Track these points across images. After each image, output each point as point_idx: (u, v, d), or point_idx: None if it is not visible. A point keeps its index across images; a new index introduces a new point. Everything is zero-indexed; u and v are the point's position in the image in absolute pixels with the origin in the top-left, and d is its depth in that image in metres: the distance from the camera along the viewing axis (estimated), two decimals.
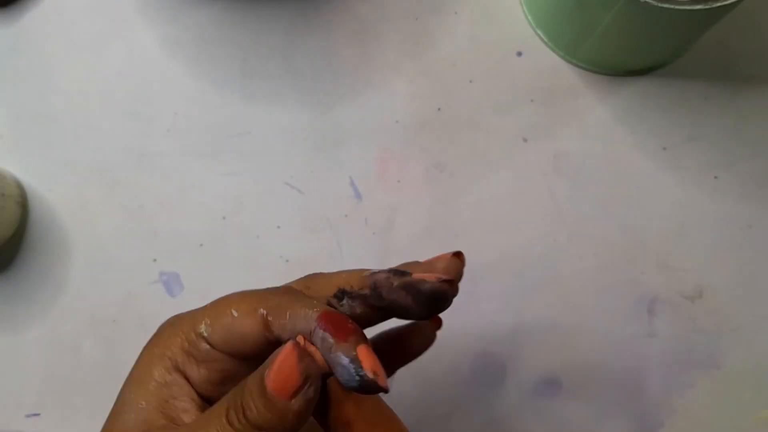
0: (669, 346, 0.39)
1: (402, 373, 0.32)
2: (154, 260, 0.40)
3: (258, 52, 0.42)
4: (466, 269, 0.42)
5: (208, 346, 0.24)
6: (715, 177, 0.41)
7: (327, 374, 0.22)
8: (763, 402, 0.39)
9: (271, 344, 0.23)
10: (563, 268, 0.40)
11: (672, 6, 0.32)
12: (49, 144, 0.41)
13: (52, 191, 0.41)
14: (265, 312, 0.23)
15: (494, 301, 0.40)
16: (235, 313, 0.23)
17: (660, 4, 0.32)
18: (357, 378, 0.21)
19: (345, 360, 0.21)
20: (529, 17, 0.42)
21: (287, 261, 0.40)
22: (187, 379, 0.24)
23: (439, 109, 0.42)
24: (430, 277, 0.24)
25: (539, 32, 0.42)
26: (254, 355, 0.23)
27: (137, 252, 0.40)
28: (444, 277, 0.24)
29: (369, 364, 0.21)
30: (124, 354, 0.40)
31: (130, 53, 0.42)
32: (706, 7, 0.32)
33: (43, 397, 0.39)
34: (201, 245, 0.40)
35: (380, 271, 0.25)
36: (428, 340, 0.29)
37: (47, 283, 0.40)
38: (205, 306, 0.25)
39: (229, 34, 0.42)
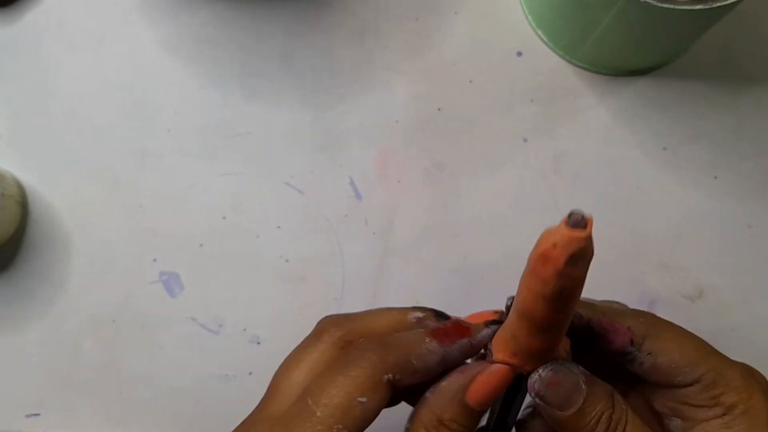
0: None
1: None
2: (154, 260, 0.40)
3: (258, 52, 0.42)
4: (466, 269, 0.42)
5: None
6: (715, 177, 0.41)
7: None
8: None
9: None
10: None
11: (672, 6, 0.32)
12: (49, 144, 0.41)
13: (52, 191, 0.41)
14: (390, 376, 0.23)
15: (494, 300, 0.40)
16: (363, 399, 0.23)
17: (660, 4, 0.32)
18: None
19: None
20: (529, 17, 0.42)
21: (287, 261, 0.40)
22: None
23: (439, 109, 0.42)
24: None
25: (539, 32, 0.42)
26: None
27: (137, 252, 0.40)
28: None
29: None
30: (124, 354, 0.40)
31: (130, 53, 0.42)
32: (706, 7, 0.32)
33: (43, 397, 0.39)
34: (201, 245, 0.40)
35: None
36: None
37: (47, 283, 0.40)
38: (326, 411, 0.23)
39: (230, 34, 0.42)
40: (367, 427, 0.24)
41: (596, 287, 0.40)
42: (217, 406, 0.39)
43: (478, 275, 0.40)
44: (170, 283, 0.40)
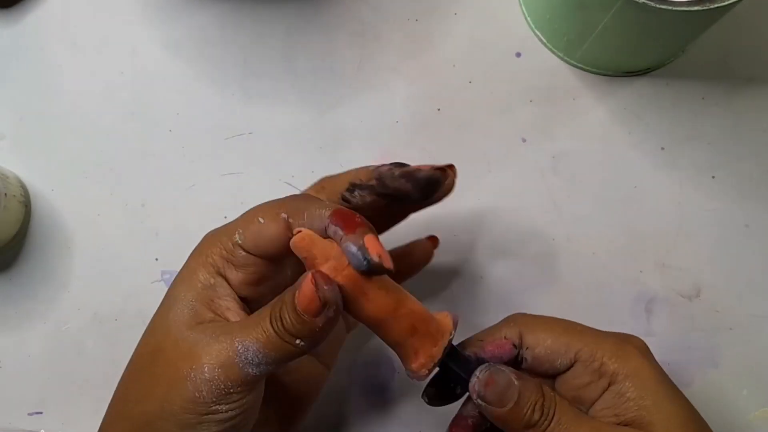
0: (667, 344, 0.39)
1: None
2: (156, 259, 0.41)
3: (259, 53, 0.42)
4: (466, 268, 0.42)
5: (243, 252, 0.27)
6: (713, 176, 0.41)
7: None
8: (761, 400, 0.39)
9: None
10: (562, 268, 0.40)
11: (670, 7, 0.32)
12: (52, 144, 0.42)
13: (55, 191, 0.41)
14: (286, 215, 0.27)
15: (493, 299, 0.40)
16: (261, 220, 0.27)
17: (658, 5, 0.32)
18: (365, 262, 0.25)
19: (354, 248, 0.25)
20: (528, 18, 0.42)
21: None
22: (228, 282, 0.27)
23: (439, 109, 0.42)
24: (425, 167, 0.30)
25: (538, 33, 0.42)
26: (282, 256, 0.27)
27: (139, 251, 0.41)
28: (437, 165, 0.30)
29: (374, 249, 0.25)
30: (126, 352, 0.40)
31: (132, 54, 0.42)
32: (704, 8, 0.32)
33: (46, 395, 0.40)
34: None
35: (383, 165, 0.30)
36: (428, 255, 0.35)
37: (50, 282, 0.40)
38: (237, 219, 0.28)
39: (231, 35, 0.43)
40: (261, 245, 0.27)
41: (596, 287, 0.40)
42: None
43: (478, 275, 0.40)
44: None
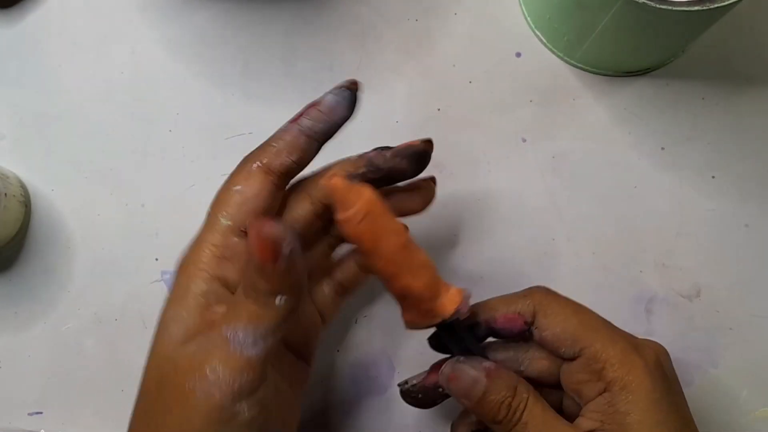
0: (667, 344, 0.39)
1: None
2: (156, 259, 0.41)
3: (259, 54, 0.42)
4: (465, 268, 0.42)
5: (235, 238, 0.27)
6: (713, 177, 0.41)
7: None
8: (761, 400, 0.39)
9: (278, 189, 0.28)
10: (562, 268, 0.40)
11: (670, 7, 0.32)
12: (52, 144, 0.42)
13: (55, 191, 0.41)
14: (258, 163, 0.27)
15: None
16: (238, 188, 0.27)
17: (658, 5, 0.32)
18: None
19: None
20: (528, 18, 0.43)
21: None
22: (224, 282, 0.27)
23: (439, 109, 0.42)
24: (414, 143, 0.31)
25: (538, 33, 0.42)
26: (273, 210, 0.28)
27: (139, 251, 0.41)
28: (424, 138, 0.31)
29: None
30: (126, 352, 0.40)
31: (132, 54, 0.42)
32: (704, 8, 0.32)
33: (46, 395, 0.40)
34: None
35: (366, 153, 0.31)
36: (431, 192, 0.35)
37: (50, 282, 0.40)
38: (209, 212, 0.28)
39: (230, 36, 0.43)
40: (253, 211, 0.27)
41: (595, 287, 0.40)
42: None
43: (478, 275, 0.40)
44: (172, 282, 0.40)
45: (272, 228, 0.23)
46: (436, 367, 0.30)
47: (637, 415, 0.26)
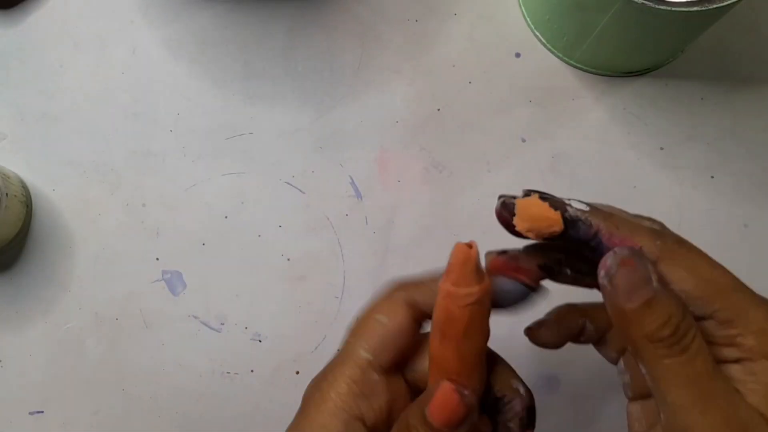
0: None
1: None
2: (157, 259, 0.41)
3: (259, 54, 0.43)
4: None
5: (376, 376, 0.24)
6: (712, 176, 0.41)
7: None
8: None
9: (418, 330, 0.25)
10: None
11: (669, 8, 0.32)
12: (53, 144, 0.42)
13: (56, 191, 0.41)
14: (405, 294, 0.25)
15: None
16: (382, 319, 0.24)
17: (657, 6, 0.32)
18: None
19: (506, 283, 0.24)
20: (528, 19, 0.43)
21: (288, 259, 0.41)
22: (362, 420, 0.24)
23: (438, 109, 0.42)
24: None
25: (537, 34, 0.42)
26: (411, 353, 0.25)
27: (140, 251, 0.41)
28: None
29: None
30: (126, 352, 0.40)
31: (133, 54, 0.43)
32: (703, 8, 0.32)
33: (47, 395, 0.40)
34: (203, 244, 0.41)
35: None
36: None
37: (51, 282, 0.41)
38: (348, 339, 0.25)
39: (231, 36, 0.43)
40: (395, 347, 0.24)
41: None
42: (218, 403, 0.40)
43: None
44: (172, 281, 0.41)
45: (467, 398, 0.22)
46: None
47: None
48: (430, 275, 0.26)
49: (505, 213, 0.24)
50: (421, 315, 0.25)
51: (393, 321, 0.24)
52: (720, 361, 0.23)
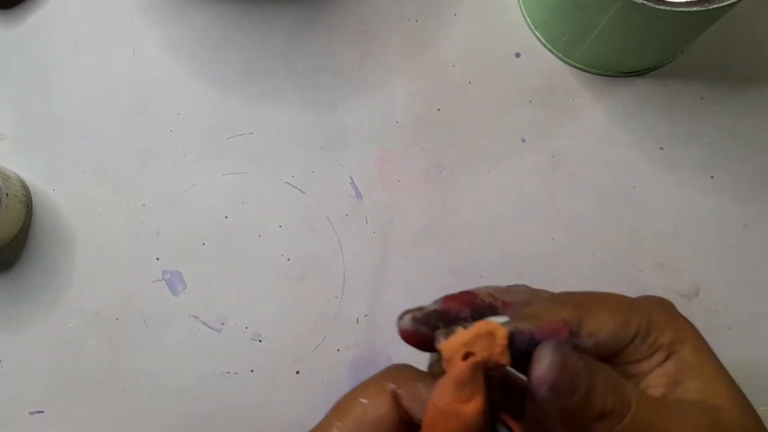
0: None
1: None
2: (157, 259, 0.41)
3: (259, 54, 0.43)
4: (465, 268, 0.42)
5: None
6: (712, 177, 0.41)
7: None
8: (760, 400, 0.39)
9: (404, 424, 0.24)
10: (561, 267, 0.40)
11: (669, 8, 0.32)
12: (53, 144, 0.42)
13: (56, 191, 0.41)
14: (394, 386, 0.24)
15: None
16: (364, 401, 0.24)
17: (657, 6, 0.32)
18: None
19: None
20: (528, 19, 0.43)
21: (288, 259, 0.41)
22: None
23: (438, 109, 0.42)
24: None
25: (537, 34, 0.42)
26: None
27: (140, 251, 0.41)
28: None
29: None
30: (127, 351, 0.40)
31: (133, 54, 0.43)
32: (703, 8, 0.32)
33: (47, 395, 0.40)
34: (203, 244, 0.41)
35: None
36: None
37: (51, 282, 0.41)
38: (328, 413, 0.25)
39: (231, 36, 0.43)
40: None
41: (595, 286, 0.40)
42: (219, 403, 0.40)
43: (477, 274, 0.40)
44: (173, 281, 0.41)
45: None
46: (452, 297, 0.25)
47: (708, 365, 0.25)
48: (430, 373, 0.25)
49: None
50: (406, 414, 0.24)
51: (373, 410, 0.24)
52: (648, 373, 0.24)
